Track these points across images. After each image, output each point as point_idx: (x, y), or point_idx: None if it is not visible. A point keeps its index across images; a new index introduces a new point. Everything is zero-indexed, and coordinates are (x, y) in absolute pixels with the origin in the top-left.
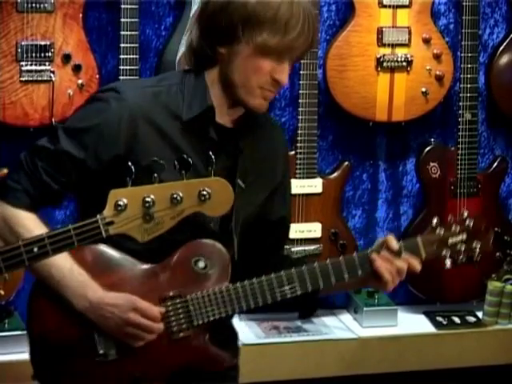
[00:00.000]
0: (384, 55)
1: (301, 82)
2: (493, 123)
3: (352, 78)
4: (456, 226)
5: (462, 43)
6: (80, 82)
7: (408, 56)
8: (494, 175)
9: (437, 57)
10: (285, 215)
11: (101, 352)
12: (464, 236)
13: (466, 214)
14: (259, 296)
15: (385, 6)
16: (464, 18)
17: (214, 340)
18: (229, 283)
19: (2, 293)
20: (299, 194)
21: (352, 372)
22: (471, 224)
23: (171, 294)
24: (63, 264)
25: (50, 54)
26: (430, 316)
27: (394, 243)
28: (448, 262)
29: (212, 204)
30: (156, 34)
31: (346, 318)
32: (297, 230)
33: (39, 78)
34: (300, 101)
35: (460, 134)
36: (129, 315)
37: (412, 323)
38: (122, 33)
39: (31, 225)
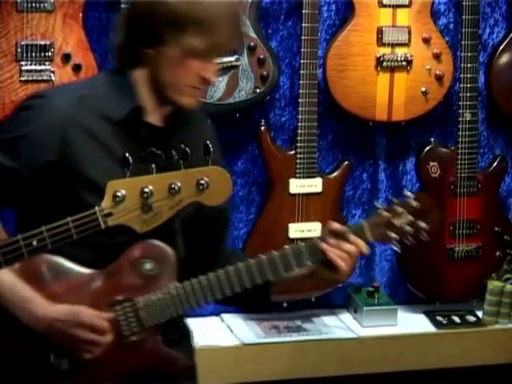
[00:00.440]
0: (384, 55)
1: (300, 82)
2: (493, 123)
3: (352, 77)
4: (401, 207)
5: (462, 43)
6: None
7: (408, 56)
8: (494, 175)
9: (437, 56)
10: (224, 207)
11: (53, 363)
12: (410, 217)
13: (410, 194)
14: (208, 293)
15: (385, 6)
16: (464, 17)
17: (167, 341)
18: (177, 282)
19: None
20: (299, 194)
21: (352, 371)
22: (416, 204)
23: (120, 298)
24: (5, 280)
25: (49, 54)
26: (430, 315)
27: (337, 226)
28: (396, 244)
29: (210, 193)
30: None
31: (346, 317)
32: (297, 230)
33: (39, 78)
34: (300, 100)
35: (460, 133)
36: (74, 331)
37: (412, 323)
38: None
39: None
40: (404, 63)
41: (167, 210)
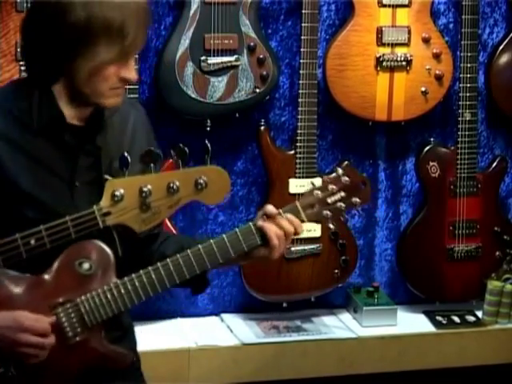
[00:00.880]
0: (383, 55)
1: (300, 82)
2: (492, 123)
3: (351, 77)
4: (332, 184)
5: (462, 43)
6: None
7: (407, 55)
8: (494, 175)
9: (436, 56)
10: None
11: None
12: (342, 193)
13: (340, 170)
14: (149, 287)
15: (384, 6)
16: (464, 17)
17: (110, 338)
18: (117, 279)
19: None
20: (299, 194)
21: (352, 371)
22: (346, 180)
23: (61, 300)
24: None
25: None
26: (430, 315)
27: (271, 207)
28: (330, 222)
29: (209, 192)
30: (156, 34)
31: (346, 317)
32: None
33: None
34: (299, 100)
35: (459, 133)
36: (16, 336)
37: (412, 323)
38: None
39: None
40: (404, 63)
41: (166, 209)
